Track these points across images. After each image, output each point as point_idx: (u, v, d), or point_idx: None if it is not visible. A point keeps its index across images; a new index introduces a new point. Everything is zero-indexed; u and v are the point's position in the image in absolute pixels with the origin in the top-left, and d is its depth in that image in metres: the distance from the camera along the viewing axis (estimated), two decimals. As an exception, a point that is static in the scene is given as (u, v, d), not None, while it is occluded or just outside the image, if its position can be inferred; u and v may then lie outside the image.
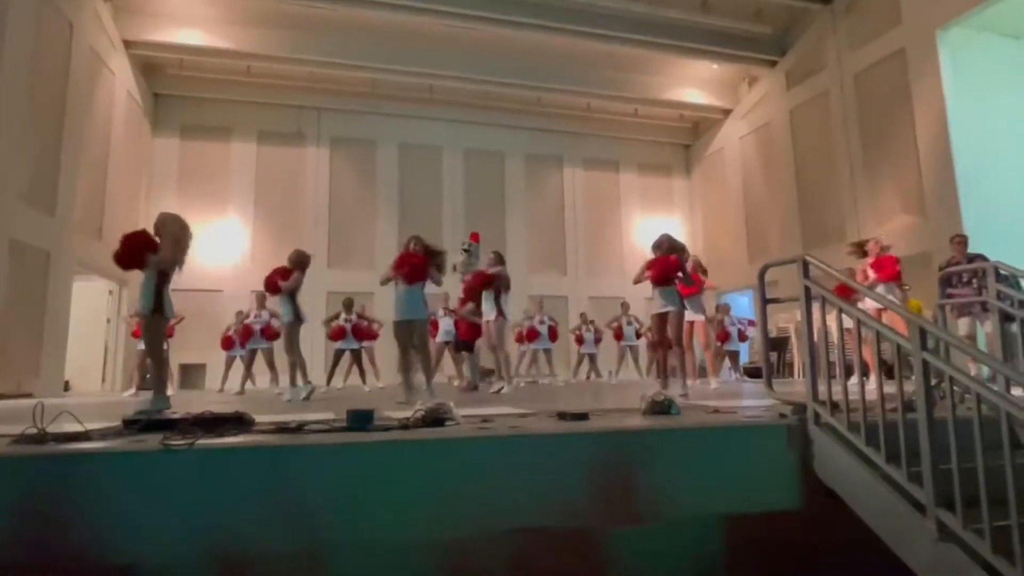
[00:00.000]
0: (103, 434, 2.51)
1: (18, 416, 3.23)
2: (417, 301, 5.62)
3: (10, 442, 2.29)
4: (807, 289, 3.11)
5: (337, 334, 9.35)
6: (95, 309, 11.58)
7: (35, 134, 9.05)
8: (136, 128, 12.99)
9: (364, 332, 9.59)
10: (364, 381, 9.50)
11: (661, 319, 5.89)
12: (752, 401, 4.38)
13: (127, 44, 12.19)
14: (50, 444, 2.28)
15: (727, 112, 15.77)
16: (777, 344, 11.76)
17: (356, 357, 9.52)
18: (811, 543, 2.89)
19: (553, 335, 10.73)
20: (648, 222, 16.22)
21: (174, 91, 13.85)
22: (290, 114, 14.56)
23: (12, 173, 8.48)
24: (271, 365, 8.82)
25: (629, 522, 2.68)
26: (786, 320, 11.90)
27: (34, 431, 2.33)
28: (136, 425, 2.61)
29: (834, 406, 2.87)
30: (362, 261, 14.17)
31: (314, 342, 11.17)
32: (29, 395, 8.15)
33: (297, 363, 6.29)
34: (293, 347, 6.29)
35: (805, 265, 3.12)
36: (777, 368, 11.65)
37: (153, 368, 4.39)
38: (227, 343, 9.56)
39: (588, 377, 11.94)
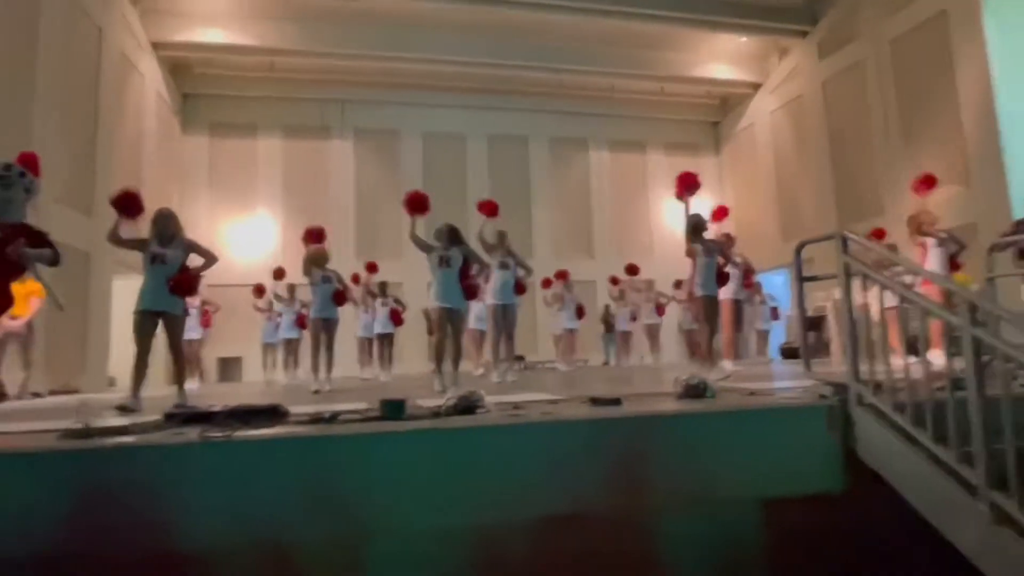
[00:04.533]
0: (144, 428, 2.58)
1: (66, 412, 3.35)
2: (458, 288, 5.62)
3: (57, 437, 2.36)
4: (846, 265, 3.00)
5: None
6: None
7: (70, 138, 9.29)
8: (167, 128, 13.25)
9: (397, 316, 9.60)
10: (388, 368, 9.55)
11: (712, 302, 5.76)
12: (789, 382, 4.28)
13: (155, 46, 12.40)
14: (95, 439, 2.34)
15: (756, 86, 15.35)
16: (813, 323, 11.49)
17: (389, 342, 9.58)
18: (854, 527, 2.81)
19: (580, 313, 10.61)
20: (676, 202, 15.91)
21: (202, 90, 14.10)
22: (314, 108, 14.69)
23: (50, 177, 8.67)
24: (296, 355, 9.23)
25: (665, 508, 2.65)
26: (822, 299, 11.61)
27: (79, 426, 2.40)
28: (176, 419, 2.67)
29: (876, 386, 2.77)
30: (389, 251, 14.25)
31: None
32: (76, 391, 8.46)
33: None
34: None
35: (844, 241, 3.01)
36: (814, 348, 11.38)
37: (183, 361, 4.53)
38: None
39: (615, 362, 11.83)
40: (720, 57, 14.94)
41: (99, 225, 10.10)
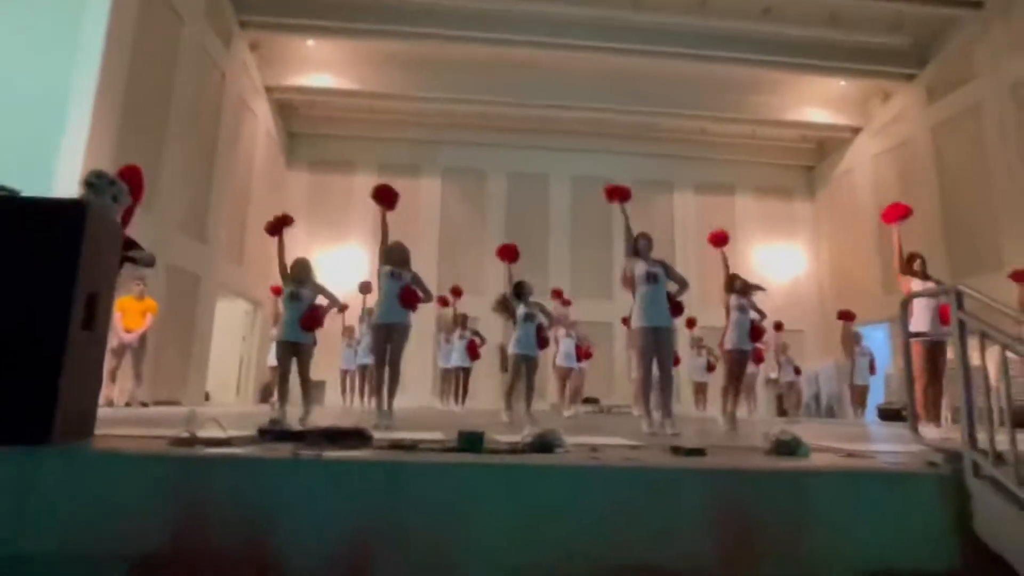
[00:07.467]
0: (242, 441, 2.73)
1: (170, 420, 3.60)
2: (536, 339, 6.38)
3: (166, 443, 2.54)
4: (961, 323, 2.77)
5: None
6: (233, 327, 12.75)
7: (191, 171, 10.24)
8: (273, 164, 14.34)
9: (474, 349, 9.70)
10: (464, 401, 9.66)
11: (934, 349, 5.41)
12: (892, 445, 3.95)
13: (267, 89, 13.55)
14: (198, 448, 2.50)
15: (856, 130, 14.70)
16: (918, 384, 10.58)
17: (465, 375, 9.73)
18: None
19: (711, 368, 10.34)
20: (767, 247, 15.39)
21: (306, 129, 15.21)
22: (407, 147, 15.46)
23: (174, 206, 9.63)
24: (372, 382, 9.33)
25: (752, 571, 2.48)
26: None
27: (186, 435, 2.58)
28: (269, 435, 2.81)
29: (997, 456, 2.50)
30: (470, 286, 14.52)
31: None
32: (178, 403, 9.10)
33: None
34: None
35: (959, 296, 2.78)
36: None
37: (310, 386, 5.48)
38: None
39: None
40: (816, 100, 14.47)
41: (210, 251, 10.98)
